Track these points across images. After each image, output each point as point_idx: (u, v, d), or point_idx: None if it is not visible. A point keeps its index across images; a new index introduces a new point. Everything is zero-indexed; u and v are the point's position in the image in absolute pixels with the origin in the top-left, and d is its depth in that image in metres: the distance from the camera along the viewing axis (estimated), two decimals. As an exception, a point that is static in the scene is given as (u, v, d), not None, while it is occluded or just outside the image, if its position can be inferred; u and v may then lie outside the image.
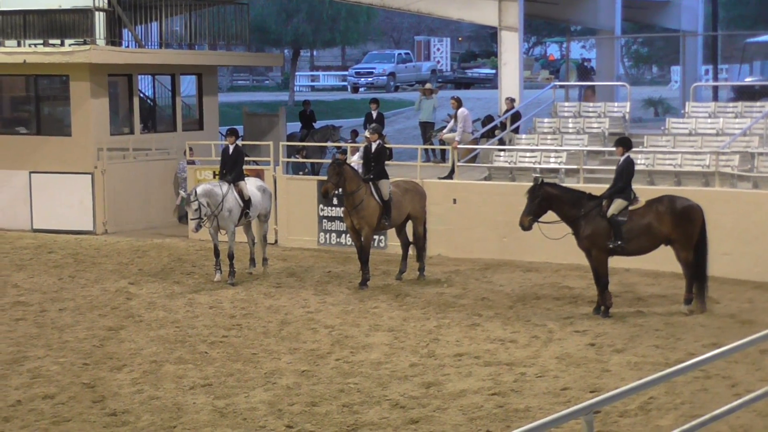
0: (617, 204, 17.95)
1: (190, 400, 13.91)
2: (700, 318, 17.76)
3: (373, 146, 21.34)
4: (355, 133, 31.24)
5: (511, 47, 28.46)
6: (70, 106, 28.49)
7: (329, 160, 26.82)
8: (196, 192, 21.16)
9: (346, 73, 70.19)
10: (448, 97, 30.62)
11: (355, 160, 24.66)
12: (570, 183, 22.07)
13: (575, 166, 23.43)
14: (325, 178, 22.00)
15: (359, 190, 20.76)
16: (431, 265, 22.35)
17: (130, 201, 28.53)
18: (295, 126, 35.06)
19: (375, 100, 30.82)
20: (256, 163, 27.45)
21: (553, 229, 18.50)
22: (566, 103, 28.06)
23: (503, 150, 25.38)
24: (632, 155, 18.70)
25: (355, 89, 64.28)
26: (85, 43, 27.93)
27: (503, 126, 27.19)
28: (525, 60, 39.64)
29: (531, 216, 18.19)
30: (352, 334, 17.19)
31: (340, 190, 21.12)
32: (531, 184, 18.56)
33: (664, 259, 19.07)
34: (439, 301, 19.48)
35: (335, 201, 24.38)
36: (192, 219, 21.23)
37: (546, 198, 18.13)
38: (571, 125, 26.21)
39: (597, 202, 18.11)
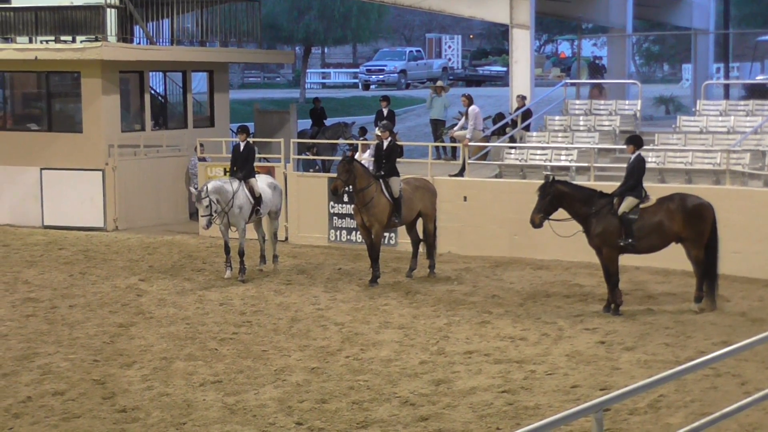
0: (628, 202, 17.93)
1: (200, 396, 13.93)
2: (711, 316, 17.74)
3: (385, 143, 21.35)
4: (363, 131, 31.23)
5: (522, 45, 28.43)
6: (81, 102, 28.53)
7: (340, 158, 26.82)
8: (206, 189, 21.18)
9: (357, 70, 70.19)
10: (459, 94, 30.60)
11: (366, 158, 24.67)
12: (581, 181, 22.04)
13: (586, 164, 23.42)
14: (335, 175, 22.00)
15: (369, 187, 20.76)
16: (442, 262, 22.35)
17: (141, 198, 28.56)
18: (306, 123, 35.07)
19: (386, 98, 30.81)
20: (266, 160, 27.46)
21: (564, 226, 18.48)
22: (577, 101, 28.06)
23: (514, 147, 25.37)
24: (643, 153, 18.68)
25: (366, 87, 64.28)
26: (96, 39, 27.96)
27: (514, 123, 27.17)
28: (536, 58, 39.56)
29: (542, 214, 18.18)
30: (362, 332, 17.20)
31: (350, 187, 21.13)
32: (542, 181, 18.55)
33: (675, 257, 19.05)
34: (449, 299, 19.48)
35: (346, 198, 24.39)
36: (203, 216, 21.27)
37: (557, 196, 18.11)
38: (582, 123, 26.21)
39: (608, 200, 18.09)
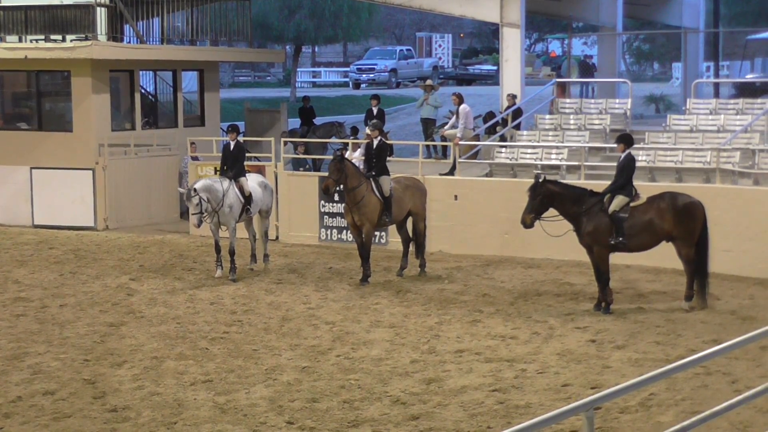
0: (618, 200, 17.95)
1: (190, 396, 13.91)
2: (701, 314, 17.76)
3: (375, 142, 21.35)
4: (354, 130, 31.21)
5: (512, 44, 28.44)
6: (71, 101, 28.49)
7: (331, 157, 26.79)
8: (195, 188, 21.15)
9: (347, 69, 70.14)
10: (449, 93, 30.59)
11: (356, 157, 24.66)
12: (571, 180, 22.05)
13: (576, 163, 23.44)
14: (326, 174, 21.99)
15: (360, 187, 20.77)
16: (432, 261, 22.35)
17: (132, 197, 28.52)
18: (296, 122, 35.03)
19: (376, 97, 30.79)
20: (257, 159, 27.44)
21: (555, 225, 18.49)
22: (567, 100, 28.06)
23: (504, 146, 25.37)
24: (633, 152, 18.69)
25: (357, 85, 64.23)
26: (86, 38, 27.91)
27: (504, 122, 27.18)
28: (526, 56, 39.51)
29: (533, 214, 18.19)
30: (352, 331, 17.20)
31: (341, 186, 21.12)
32: (532, 180, 18.56)
33: (665, 256, 19.08)
34: (440, 298, 19.48)
35: (336, 197, 24.36)
36: (193, 214, 21.22)
37: (547, 195, 18.12)
38: (572, 122, 26.23)
39: (598, 198, 18.11)
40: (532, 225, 18.33)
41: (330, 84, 69.65)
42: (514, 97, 27.45)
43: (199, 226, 21.46)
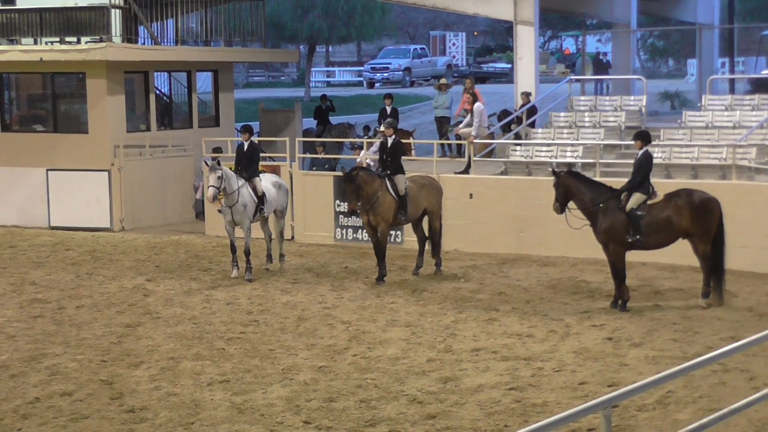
0: (636, 198, 17.91)
1: (207, 396, 13.94)
2: (718, 311, 17.71)
3: (389, 141, 21.33)
4: (367, 129, 31.22)
5: (526, 41, 28.40)
6: (86, 103, 28.56)
7: (346, 156, 26.82)
8: (221, 165, 21.16)
9: (361, 68, 70.17)
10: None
11: (370, 155, 24.67)
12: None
13: (592, 160, 23.39)
14: (341, 173, 21.97)
15: (374, 186, 20.74)
16: (448, 260, 22.33)
17: (147, 198, 28.58)
18: (310, 122, 35.04)
19: (389, 96, 30.79)
20: (272, 159, 27.45)
21: (579, 219, 18.46)
22: (582, 97, 28.03)
23: (519, 144, 25.35)
24: (649, 149, 18.65)
25: (371, 85, 64.25)
26: (101, 40, 27.97)
27: (519, 120, 27.15)
28: (540, 54, 39.51)
29: (558, 203, 18.32)
30: (369, 330, 17.20)
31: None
32: (545, 178, 18.59)
33: (682, 253, 19.03)
34: (456, 296, 19.47)
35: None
36: (212, 186, 21.10)
37: (564, 188, 18.19)
38: (587, 119, 26.16)
39: (615, 194, 18.08)
40: (561, 212, 18.43)
41: (344, 83, 69.67)
42: (528, 94, 27.42)
43: (213, 201, 21.35)
